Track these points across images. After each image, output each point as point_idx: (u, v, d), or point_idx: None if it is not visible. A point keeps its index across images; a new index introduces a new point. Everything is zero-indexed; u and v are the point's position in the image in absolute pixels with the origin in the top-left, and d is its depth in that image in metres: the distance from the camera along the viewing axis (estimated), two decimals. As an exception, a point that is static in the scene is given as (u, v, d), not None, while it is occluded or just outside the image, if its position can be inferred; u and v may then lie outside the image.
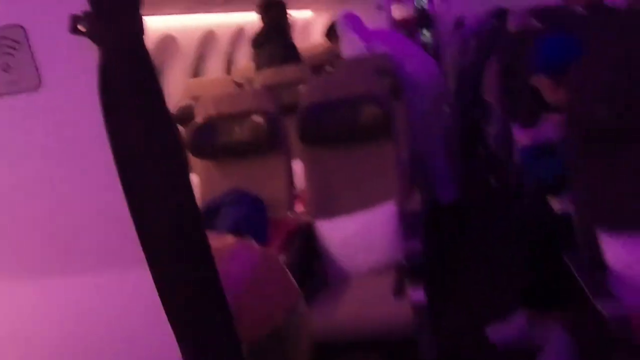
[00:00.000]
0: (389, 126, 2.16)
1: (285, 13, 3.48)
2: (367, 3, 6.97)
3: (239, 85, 3.44)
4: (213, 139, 2.36)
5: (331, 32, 3.48)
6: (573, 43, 1.87)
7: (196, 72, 3.73)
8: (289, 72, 3.13)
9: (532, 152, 2.05)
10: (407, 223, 2.30)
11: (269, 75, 3.16)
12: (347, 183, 2.26)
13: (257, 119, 2.30)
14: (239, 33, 4.20)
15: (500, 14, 4.34)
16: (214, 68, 3.96)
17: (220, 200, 2.13)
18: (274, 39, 3.35)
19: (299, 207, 2.48)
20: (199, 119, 2.42)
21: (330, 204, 2.28)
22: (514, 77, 2.90)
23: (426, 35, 12.71)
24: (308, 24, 6.61)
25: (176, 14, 3.17)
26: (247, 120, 2.31)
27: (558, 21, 3.84)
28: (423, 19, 12.11)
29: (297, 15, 6.33)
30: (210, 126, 2.37)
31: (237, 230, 2.05)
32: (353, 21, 3.37)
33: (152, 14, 2.92)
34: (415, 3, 16.91)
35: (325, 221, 2.25)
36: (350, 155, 2.26)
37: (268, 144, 2.30)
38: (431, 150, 3.43)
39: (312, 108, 2.21)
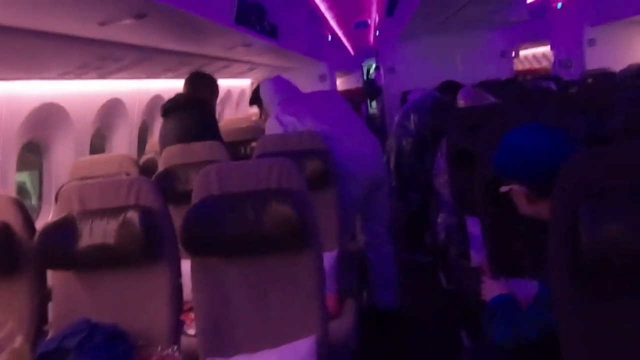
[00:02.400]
0: (305, 232, 1.58)
1: (212, 87, 2.97)
2: (310, 73, 6.67)
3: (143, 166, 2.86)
4: (71, 244, 1.72)
5: (255, 99, 2.95)
6: (561, 140, 1.37)
7: (95, 147, 3.17)
8: (198, 150, 2.57)
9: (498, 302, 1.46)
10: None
11: (175, 152, 2.59)
12: (250, 308, 1.65)
13: (131, 216, 1.68)
14: (155, 102, 3.63)
15: (448, 87, 3.98)
16: (121, 142, 3.37)
17: (60, 340, 1.47)
18: (188, 109, 2.79)
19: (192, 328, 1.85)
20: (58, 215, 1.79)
21: (226, 338, 1.65)
22: (467, 163, 2.42)
23: (373, 107, 12.62)
24: (244, 94, 6.17)
25: (68, 78, 2.62)
26: (118, 219, 1.69)
27: (518, 96, 3.51)
28: (370, 90, 12.01)
29: (234, 83, 5.91)
30: (70, 226, 1.73)
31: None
32: (282, 87, 2.87)
33: (35, 78, 2.39)
34: (363, 74, 17.10)
35: (219, 362, 1.61)
36: (254, 269, 1.66)
37: (144, 251, 1.68)
38: (372, 247, 2.89)
39: (202, 205, 1.62)
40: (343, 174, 2.54)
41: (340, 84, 14.37)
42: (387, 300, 2.95)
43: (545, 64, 8.97)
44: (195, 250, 1.62)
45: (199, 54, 3.02)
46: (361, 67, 17.15)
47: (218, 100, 5.12)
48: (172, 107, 2.82)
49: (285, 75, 6.63)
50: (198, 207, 1.59)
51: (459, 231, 2.70)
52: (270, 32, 3.39)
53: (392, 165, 3.85)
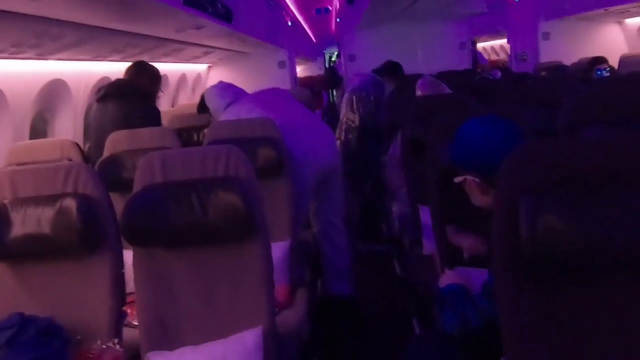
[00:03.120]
0: (252, 222, 1.53)
1: (154, 77, 2.87)
2: (269, 59, 6.56)
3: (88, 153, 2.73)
4: (2, 234, 1.61)
5: (203, 107, 2.83)
6: (511, 132, 1.36)
7: (36, 131, 2.98)
8: (146, 135, 2.47)
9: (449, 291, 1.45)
10: (283, 350, 1.68)
11: (122, 138, 2.48)
12: (195, 300, 1.59)
13: (68, 204, 1.59)
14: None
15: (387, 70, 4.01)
16: (65, 127, 3.20)
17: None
18: (128, 96, 2.68)
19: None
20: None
21: (170, 332, 1.59)
22: (420, 153, 2.42)
23: (335, 96, 12.56)
24: (200, 78, 6.02)
25: (2, 57, 2.42)
26: (54, 207, 1.60)
27: (473, 88, 3.53)
28: (331, 79, 11.93)
29: (190, 68, 5.76)
30: (1, 215, 1.62)
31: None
32: (227, 92, 2.79)
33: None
34: (325, 62, 16.99)
35: (161, 356, 1.55)
36: (200, 260, 1.60)
37: (83, 241, 1.59)
38: (326, 236, 2.86)
39: (144, 193, 1.55)
40: (297, 162, 2.49)
41: (302, 71, 14.27)
42: (340, 289, 2.94)
43: (502, 56, 9.14)
44: (137, 240, 1.55)
45: (147, 35, 2.90)
46: (323, 55, 17.07)
47: (174, 85, 4.99)
48: (111, 92, 2.71)
49: (243, 61, 6.56)
50: (139, 196, 1.52)
51: (412, 220, 2.71)
52: (224, 16, 3.29)
53: (352, 141, 3.85)
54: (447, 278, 1.55)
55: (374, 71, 4.26)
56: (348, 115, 3.93)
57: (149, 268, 1.58)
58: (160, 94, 2.90)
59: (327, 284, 2.96)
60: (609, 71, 4.26)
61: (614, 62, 4.63)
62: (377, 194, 3.53)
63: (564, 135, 1.85)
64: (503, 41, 8.41)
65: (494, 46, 7.54)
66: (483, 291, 1.30)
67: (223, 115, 2.63)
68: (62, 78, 2.94)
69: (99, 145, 2.50)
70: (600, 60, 4.34)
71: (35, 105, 2.83)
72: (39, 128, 3.05)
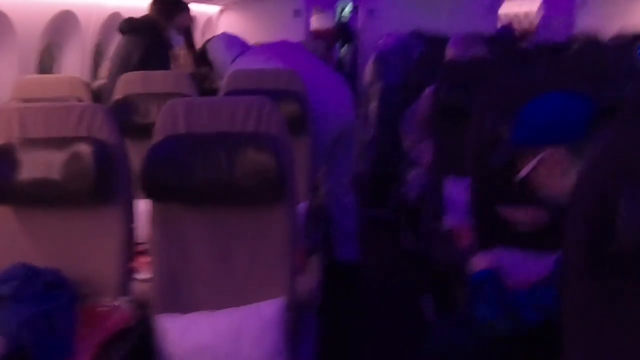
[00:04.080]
0: (282, 184, 1.40)
1: (171, 11, 2.63)
2: (284, 6, 6.27)
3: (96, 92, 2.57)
4: (9, 176, 1.48)
5: (201, 60, 2.60)
6: (591, 104, 1.21)
7: (42, 67, 2.82)
8: (160, 79, 2.31)
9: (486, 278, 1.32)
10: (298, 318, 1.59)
11: (135, 80, 2.31)
12: (213, 263, 1.48)
13: (83, 149, 1.46)
14: (113, 20, 3.18)
15: (432, 39, 3.77)
16: (72, 64, 3.01)
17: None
18: (134, 31, 2.49)
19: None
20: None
21: (184, 293, 1.48)
22: (455, 121, 2.27)
23: (343, 51, 12.18)
24: (211, 22, 5.76)
25: None
26: (67, 151, 1.46)
27: (517, 54, 3.29)
28: (343, 33, 11.53)
29: (199, 9, 5.49)
30: (8, 155, 1.49)
31: (18, 345, 1.21)
32: (235, 43, 2.58)
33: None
34: (336, 15, 16.44)
35: (173, 318, 1.45)
36: (222, 220, 1.48)
37: (95, 190, 1.46)
38: (334, 197, 2.74)
39: (166, 143, 1.41)
40: (317, 119, 2.35)
41: (314, 22, 13.83)
42: (347, 254, 2.85)
43: (525, 25, 8.78)
44: (157, 194, 1.42)
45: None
46: (334, 6, 16.50)
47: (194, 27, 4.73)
48: (125, 26, 2.54)
49: (256, 6, 6.22)
50: (161, 146, 1.38)
51: (433, 191, 2.59)
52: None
53: (372, 113, 3.67)
54: (481, 261, 1.43)
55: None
56: (385, 70, 3.68)
57: (167, 225, 1.46)
58: (176, 31, 2.64)
59: (334, 248, 2.86)
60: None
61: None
62: (391, 156, 3.38)
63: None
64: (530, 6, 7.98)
65: (517, 14, 7.16)
66: (547, 281, 1.17)
67: (231, 68, 2.46)
68: (72, 10, 2.74)
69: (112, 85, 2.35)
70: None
71: (44, 38, 2.65)
72: (45, 63, 2.89)
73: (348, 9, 14.83)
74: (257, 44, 2.66)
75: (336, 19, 15.96)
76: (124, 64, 2.39)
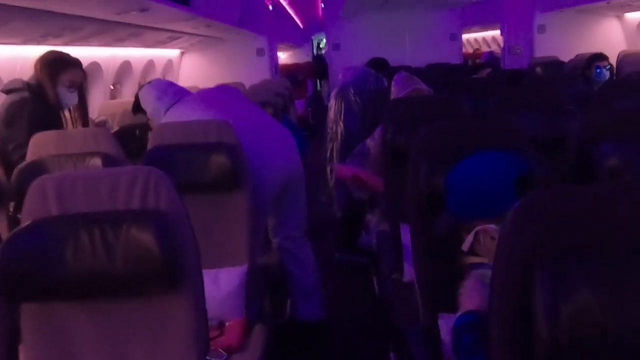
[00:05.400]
0: (171, 271, 1.16)
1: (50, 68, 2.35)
2: (246, 46, 6.13)
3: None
4: None
5: (138, 107, 2.39)
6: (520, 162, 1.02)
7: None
8: (77, 137, 2.08)
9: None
10: None
11: (48, 140, 2.09)
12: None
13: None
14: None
15: (379, 66, 3.60)
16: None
17: None
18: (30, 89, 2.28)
19: None
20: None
21: None
22: (403, 163, 2.05)
23: (321, 85, 12.09)
24: (172, 64, 5.60)
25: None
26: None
27: (464, 86, 3.13)
28: (319, 67, 11.44)
29: (160, 54, 5.33)
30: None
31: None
32: (167, 90, 2.36)
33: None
34: (312, 48, 16.38)
35: None
36: (110, 318, 1.22)
37: None
38: (287, 252, 2.50)
39: (31, 229, 1.17)
40: (255, 171, 2.12)
41: (288, 58, 13.79)
42: (309, 312, 2.59)
43: (494, 47, 8.78)
44: (18, 293, 1.17)
45: (85, 17, 2.49)
46: (311, 41, 16.47)
47: (139, 71, 4.58)
48: (8, 87, 2.35)
49: (218, 47, 6.12)
50: (23, 234, 1.14)
51: (391, 239, 2.36)
52: (179, -3, 2.87)
53: (334, 152, 3.43)
54: (466, 301, 1.16)
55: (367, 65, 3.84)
56: (347, 105, 3.46)
57: (40, 327, 1.20)
58: (66, 89, 2.33)
59: (294, 307, 2.61)
60: (609, 69, 3.95)
61: (612, 59, 4.33)
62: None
63: (574, 146, 1.50)
64: (494, 33, 8.05)
65: (485, 37, 7.13)
66: None
67: (163, 120, 2.24)
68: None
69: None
70: (600, 57, 4.01)
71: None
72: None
73: (323, 43, 14.86)
74: (190, 93, 2.44)
75: (313, 53, 15.99)
76: (8, 126, 2.18)
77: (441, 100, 2.45)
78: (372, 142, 2.49)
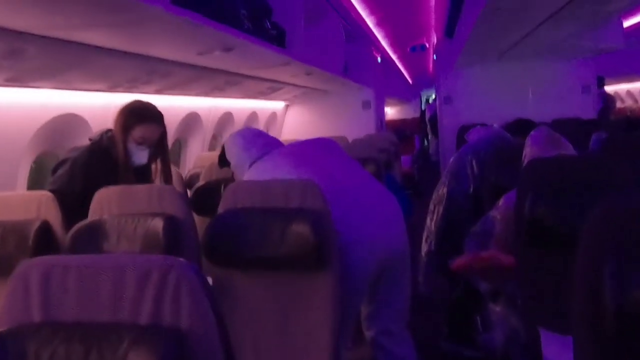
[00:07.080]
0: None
1: (122, 119, 2.12)
2: (352, 98, 5.84)
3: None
4: None
5: (223, 159, 2.10)
6: None
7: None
8: (139, 194, 1.78)
9: None
10: None
11: (110, 197, 1.81)
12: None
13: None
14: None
15: (520, 128, 3.00)
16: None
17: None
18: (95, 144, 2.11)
19: None
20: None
21: None
22: (546, 244, 1.50)
23: (429, 143, 11.48)
24: (276, 117, 5.44)
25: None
26: None
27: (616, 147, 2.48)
28: (429, 122, 10.90)
29: (265, 105, 5.19)
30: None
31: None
32: (253, 142, 2.02)
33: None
34: (421, 104, 15.93)
35: None
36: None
37: None
38: (382, 349, 1.96)
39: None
40: (346, 246, 1.66)
41: (395, 113, 13.46)
42: None
43: (629, 102, 7.77)
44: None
45: (170, 61, 2.26)
46: (419, 96, 16.06)
47: (240, 124, 4.42)
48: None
49: (322, 100, 5.89)
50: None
51: (527, 347, 1.76)
52: (275, 38, 2.58)
53: (434, 224, 2.89)
54: None
55: (503, 127, 3.25)
56: (460, 170, 2.89)
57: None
58: (136, 145, 2.07)
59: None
60: None
61: None
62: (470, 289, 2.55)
63: None
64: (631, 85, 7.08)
65: (631, 90, 6.16)
66: None
67: (247, 174, 1.88)
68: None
69: None
70: None
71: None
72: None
73: (432, 99, 14.37)
74: (282, 145, 2.06)
75: (421, 108, 15.52)
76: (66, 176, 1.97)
77: (593, 161, 1.84)
78: (497, 214, 1.93)
